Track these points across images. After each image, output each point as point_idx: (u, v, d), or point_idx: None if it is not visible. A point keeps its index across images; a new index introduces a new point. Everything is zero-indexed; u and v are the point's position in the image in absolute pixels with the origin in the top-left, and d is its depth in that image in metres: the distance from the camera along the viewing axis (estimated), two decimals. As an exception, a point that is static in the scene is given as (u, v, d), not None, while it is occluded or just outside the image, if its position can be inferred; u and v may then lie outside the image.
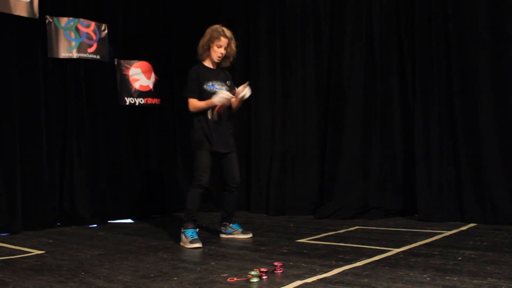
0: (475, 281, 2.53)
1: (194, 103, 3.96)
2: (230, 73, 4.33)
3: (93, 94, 5.53)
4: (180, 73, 5.84)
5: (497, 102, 4.57)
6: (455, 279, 2.58)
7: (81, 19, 5.44)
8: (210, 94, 3.96)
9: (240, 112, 6.27)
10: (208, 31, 4.06)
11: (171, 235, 4.35)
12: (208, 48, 4.04)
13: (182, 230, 3.92)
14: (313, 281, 2.64)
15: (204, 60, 4.10)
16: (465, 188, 4.67)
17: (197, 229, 3.98)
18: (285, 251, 3.53)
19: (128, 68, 5.85)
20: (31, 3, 4.95)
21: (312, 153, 5.75)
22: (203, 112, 3.98)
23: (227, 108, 4.06)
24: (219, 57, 4.06)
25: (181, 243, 3.90)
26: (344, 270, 2.86)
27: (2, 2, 4.74)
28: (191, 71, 4.06)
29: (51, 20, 5.23)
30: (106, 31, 5.64)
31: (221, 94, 3.84)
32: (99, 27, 5.59)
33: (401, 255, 3.24)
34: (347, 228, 4.52)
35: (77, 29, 5.40)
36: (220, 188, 4.27)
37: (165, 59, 6.30)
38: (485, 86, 4.62)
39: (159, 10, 6.27)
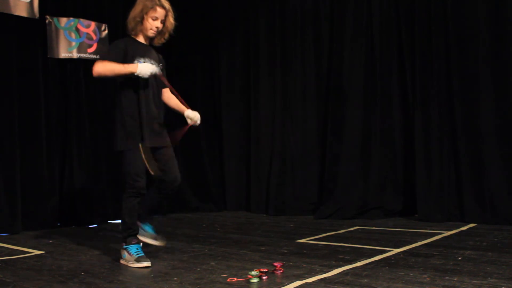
0: (475, 281, 2.53)
1: (106, 64, 3.22)
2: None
3: (93, 94, 5.52)
4: (180, 72, 5.83)
5: (497, 102, 4.57)
6: (455, 279, 2.58)
7: (81, 19, 5.43)
8: None
9: (240, 112, 6.29)
10: (141, 0, 3.35)
11: (171, 236, 4.34)
12: (141, 21, 3.35)
13: (124, 247, 3.25)
14: (313, 281, 2.64)
15: (137, 35, 3.42)
16: (465, 188, 4.67)
17: (141, 244, 3.32)
18: (285, 251, 3.53)
19: (128, 68, 5.84)
20: (31, 3, 4.94)
21: (312, 153, 5.75)
22: (128, 98, 3.31)
23: (158, 97, 3.55)
24: (154, 31, 3.38)
25: (123, 261, 3.25)
26: (344, 270, 2.86)
27: (2, 2, 4.74)
28: (117, 41, 3.45)
29: (51, 20, 5.23)
30: (106, 31, 5.64)
31: (149, 67, 3.25)
32: (99, 27, 5.58)
33: (401, 255, 3.24)
34: (347, 228, 4.52)
35: (77, 29, 5.39)
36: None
37: (165, 59, 6.27)
38: (485, 86, 4.62)
39: (159, 10, 6.25)
